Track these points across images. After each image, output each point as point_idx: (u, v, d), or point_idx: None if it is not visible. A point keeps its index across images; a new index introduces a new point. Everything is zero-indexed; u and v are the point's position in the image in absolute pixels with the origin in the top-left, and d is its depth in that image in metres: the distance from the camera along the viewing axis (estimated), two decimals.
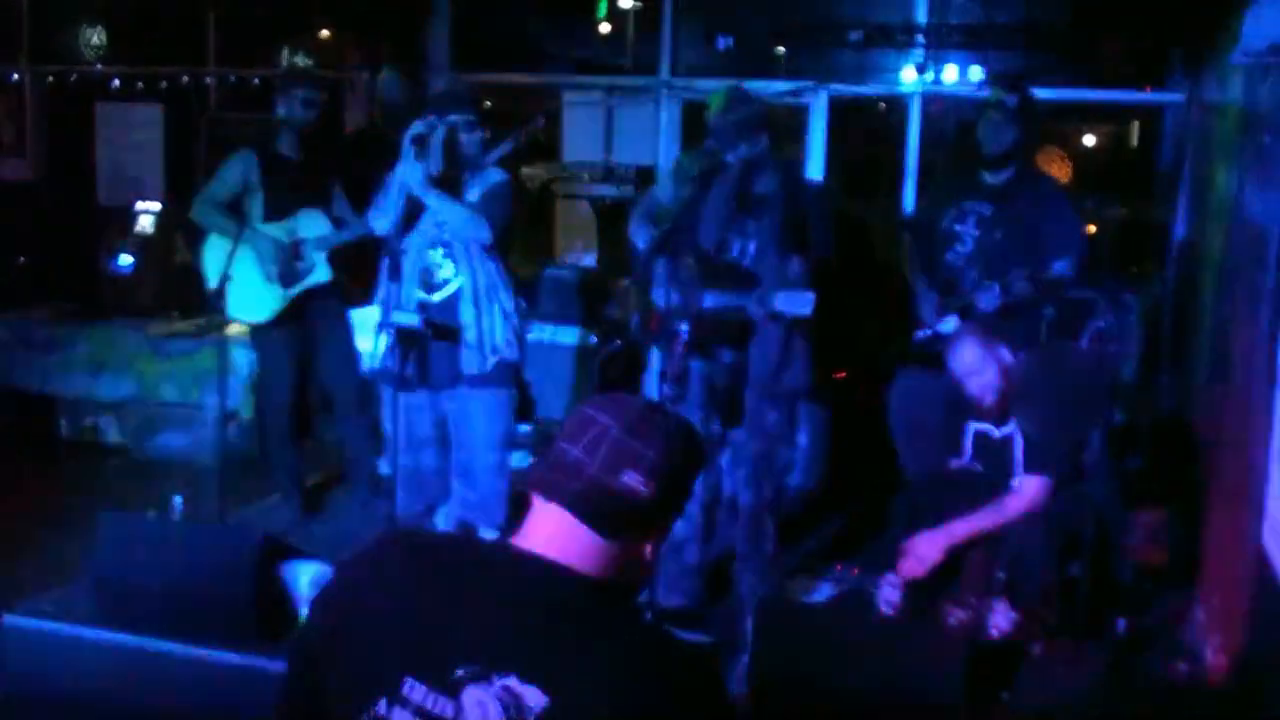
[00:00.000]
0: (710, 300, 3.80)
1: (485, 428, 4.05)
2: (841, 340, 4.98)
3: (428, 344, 3.96)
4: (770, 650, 3.17)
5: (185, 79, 7.26)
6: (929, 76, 5.96)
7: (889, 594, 3.78)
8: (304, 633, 1.56)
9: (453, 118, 3.91)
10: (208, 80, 7.23)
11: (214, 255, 4.62)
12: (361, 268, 4.49)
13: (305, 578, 3.68)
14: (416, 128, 3.81)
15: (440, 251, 3.97)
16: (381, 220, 3.98)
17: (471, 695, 1.38)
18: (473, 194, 3.95)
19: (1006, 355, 3.74)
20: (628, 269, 4.46)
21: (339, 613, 1.52)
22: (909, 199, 5.92)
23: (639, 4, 7.37)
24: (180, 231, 6.32)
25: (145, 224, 6.54)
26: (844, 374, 5.25)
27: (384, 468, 4.68)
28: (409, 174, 3.81)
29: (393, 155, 3.91)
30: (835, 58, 6.19)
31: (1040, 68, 5.90)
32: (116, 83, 7.39)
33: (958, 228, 4.36)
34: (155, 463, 5.63)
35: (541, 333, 5.56)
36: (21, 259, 6.81)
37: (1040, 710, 3.36)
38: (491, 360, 3.98)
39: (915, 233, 4.68)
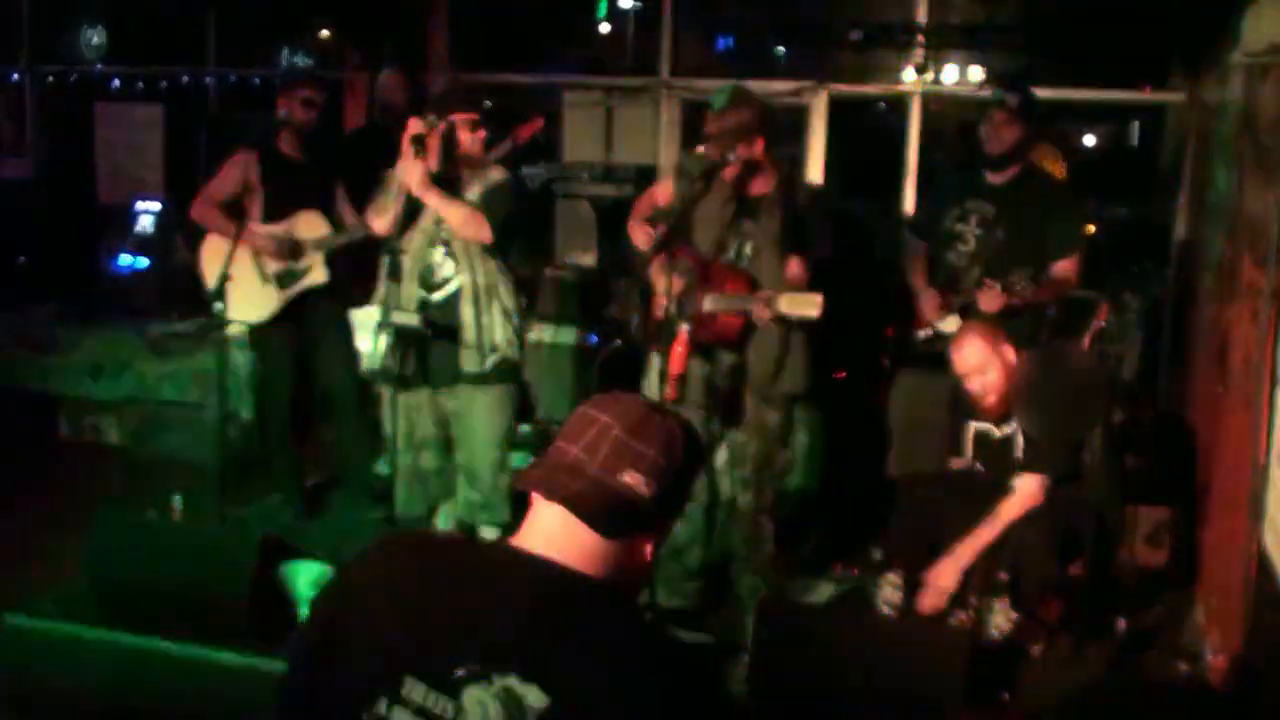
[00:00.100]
0: (710, 302, 3.80)
1: (485, 427, 4.05)
2: (841, 340, 4.98)
3: (428, 343, 3.96)
4: (770, 650, 3.17)
5: (185, 79, 7.26)
6: (929, 76, 5.96)
7: (889, 594, 3.78)
8: (304, 633, 1.56)
9: (453, 117, 3.91)
10: (208, 80, 7.23)
11: (212, 256, 4.63)
12: (361, 268, 4.49)
13: (305, 578, 3.68)
14: (416, 128, 3.81)
15: (440, 251, 3.97)
16: (381, 220, 3.98)
17: (472, 695, 1.38)
18: (473, 193, 3.95)
19: (1010, 354, 3.74)
20: (628, 269, 4.46)
21: (339, 613, 1.52)
22: (909, 199, 5.92)
23: (639, 4, 7.38)
24: (180, 231, 6.32)
25: (145, 224, 6.55)
26: (844, 374, 5.25)
27: (383, 468, 4.68)
28: (409, 173, 3.81)
29: (393, 155, 3.91)
30: (835, 57, 6.19)
31: (1040, 68, 5.90)
32: (116, 83, 7.40)
33: (959, 227, 4.36)
34: (155, 463, 5.62)
35: (541, 333, 5.56)
36: (21, 259, 6.82)
37: (1040, 710, 3.36)
38: (492, 359, 3.98)
39: (917, 232, 4.68)
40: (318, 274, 4.66)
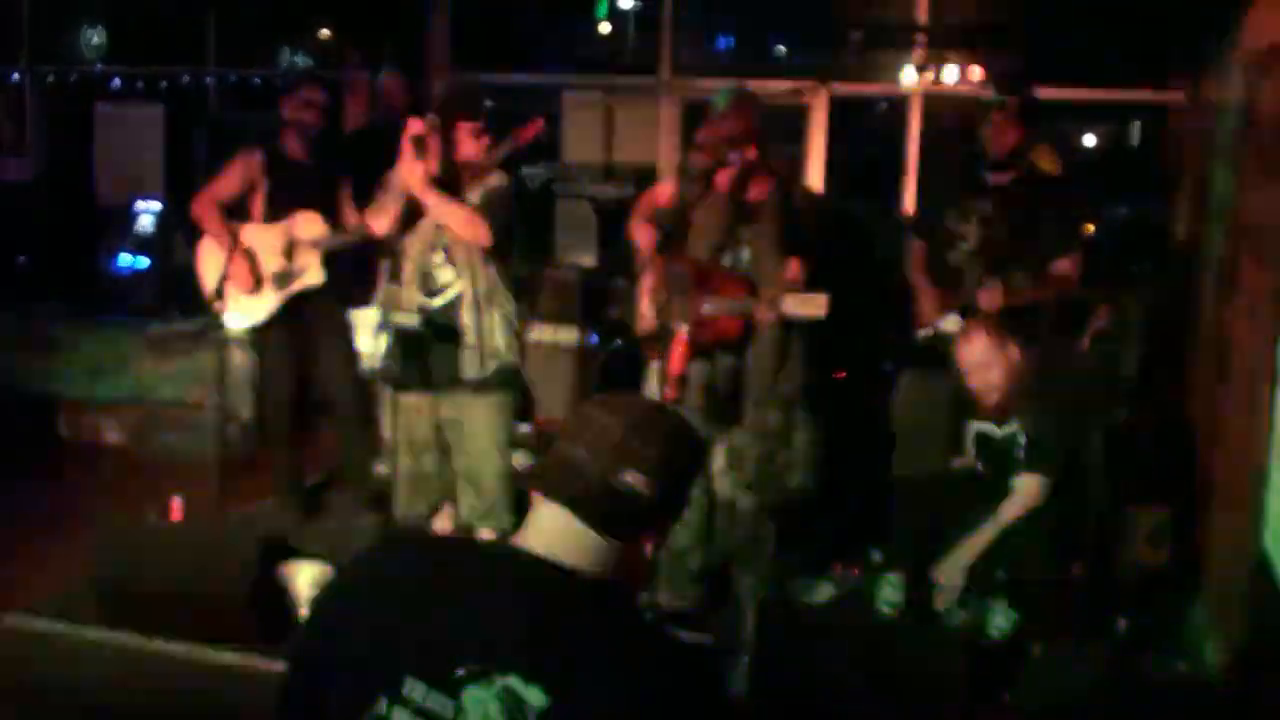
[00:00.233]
0: (710, 304, 3.80)
1: (485, 433, 4.04)
2: (841, 340, 4.98)
3: (428, 346, 3.96)
4: (770, 651, 3.17)
5: (185, 79, 7.26)
6: (929, 76, 5.96)
7: (889, 594, 3.78)
8: (304, 633, 1.57)
9: (455, 122, 3.91)
10: (208, 80, 7.24)
11: (209, 256, 4.63)
12: (362, 269, 4.49)
13: (305, 578, 3.68)
14: (416, 128, 3.81)
15: (440, 255, 3.96)
16: (381, 221, 3.98)
17: (472, 695, 1.38)
18: (473, 196, 3.95)
19: (1015, 353, 3.74)
20: (628, 269, 4.46)
21: (340, 613, 1.53)
22: (909, 199, 5.92)
23: (639, 4, 7.38)
24: (180, 231, 6.32)
25: (145, 224, 6.55)
26: (844, 374, 5.25)
27: (383, 469, 4.68)
28: (409, 174, 3.81)
29: (393, 155, 3.91)
30: (835, 58, 6.19)
31: (1040, 68, 5.90)
32: (116, 83, 7.40)
33: (960, 226, 4.36)
34: (155, 463, 5.63)
35: (541, 333, 5.56)
36: (21, 259, 6.82)
37: (1040, 710, 3.36)
38: (491, 364, 3.97)
39: (917, 232, 4.69)
40: (314, 274, 4.65)
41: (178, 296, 6.16)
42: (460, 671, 1.39)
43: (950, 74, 6.17)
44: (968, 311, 4.19)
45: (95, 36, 7.57)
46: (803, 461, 4.75)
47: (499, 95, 6.74)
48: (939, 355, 4.09)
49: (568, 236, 6.55)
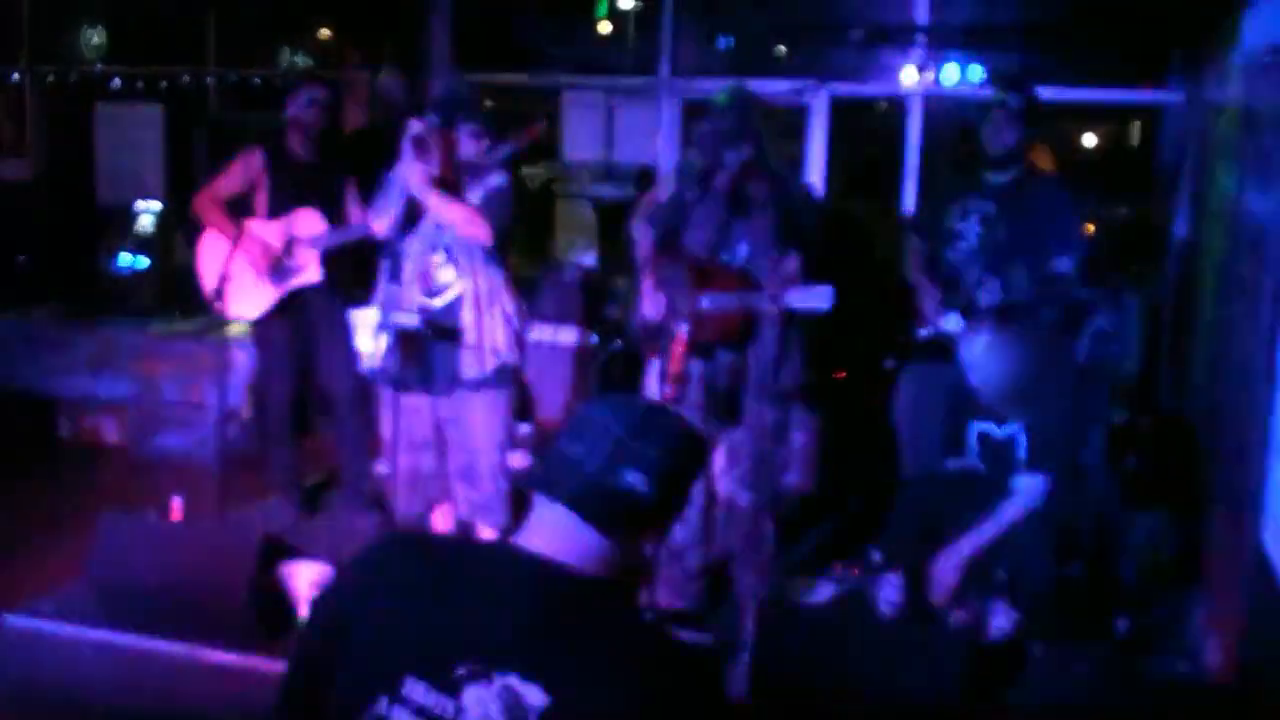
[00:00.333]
0: (708, 301, 3.80)
1: (485, 430, 4.04)
2: (841, 340, 4.98)
3: (427, 346, 3.96)
4: (770, 651, 3.17)
5: (185, 79, 7.26)
6: (929, 76, 5.96)
7: (889, 594, 3.78)
8: (304, 633, 1.56)
9: (456, 123, 3.91)
10: (208, 80, 7.23)
11: (210, 254, 4.64)
12: (362, 268, 4.49)
13: (305, 578, 3.67)
14: (416, 128, 3.81)
15: (441, 255, 3.96)
16: (381, 221, 3.98)
17: (472, 694, 1.38)
18: (473, 196, 3.95)
19: (1016, 353, 3.73)
20: (628, 269, 4.47)
21: (339, 613, 1.53)
22: (909, 199, 5.92)
23: (639, 4, 7.38)
24: (180, 231, 6.33)
25: (145, 224, 6.55)
26: (844, 374, 5.26)
27: (382, 469, 4.68)
28: (409, 174, 3.81)
29: (392, 155, 3.91)
30: (835, 58, 6.19)
31: (1040, 68, 5.90)
32: (116, 83, 7.39)
33: (960, 226, 4.36)
34: (155, 463, 5.63)
35: (541, 333, 5.56)
36: (21, 259, 6.82)
37: (1040, 710, 3.35)
38: (492, 364, 3.98)
39: (917, 232, 4.69)
40: (312, 273, 4.66)
41: (178, 296, 6.17)
42: (460, 671, 1.39)
43: (950, 74, 6.17)
44: (968, 311, 4.19)
45: (95, 36, 7.57)
46: (802, 461, 4.76)
47: (499, 95, 6.75)
48: (939, 355, 4.09)
49: (568, 236, 6.55)
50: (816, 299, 3.59)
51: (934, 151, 6.03)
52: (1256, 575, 3.25)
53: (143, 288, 6.46)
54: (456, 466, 4.09)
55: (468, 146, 3.95)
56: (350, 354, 4.84)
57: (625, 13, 7.56)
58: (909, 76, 6.01)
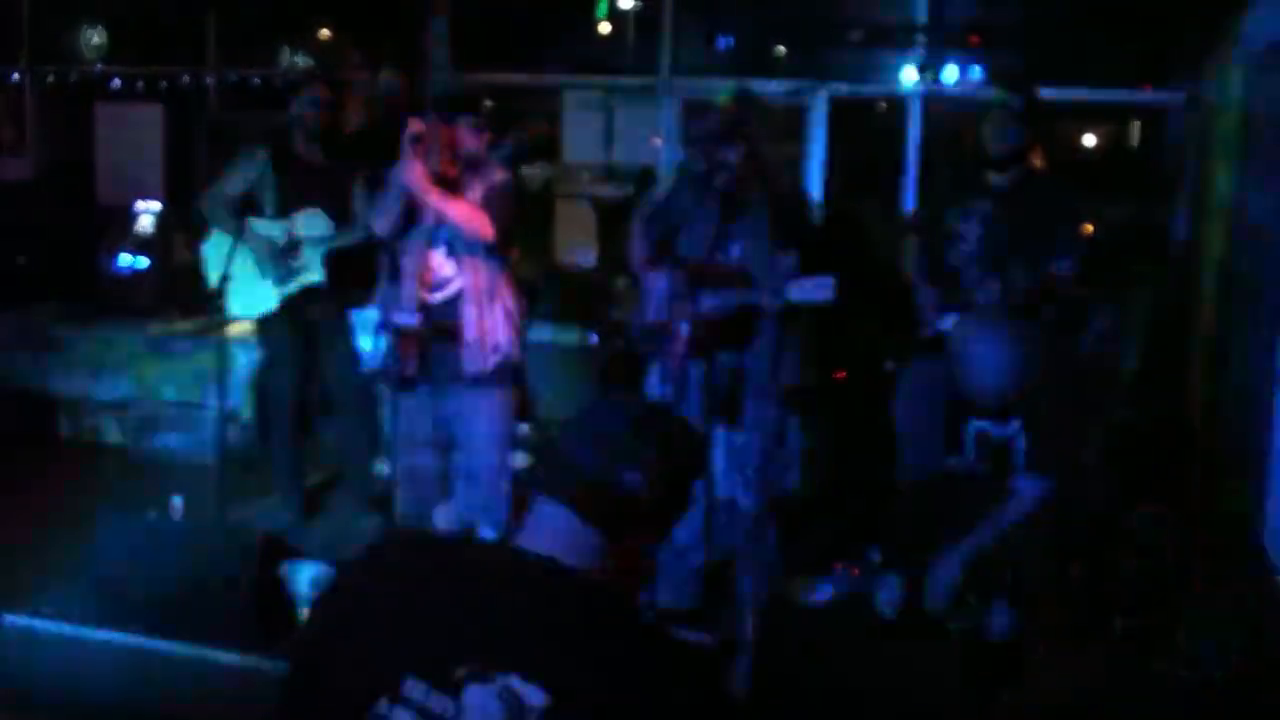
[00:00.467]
0: (707, 301, 3.81)
1: (486, 428, 4.04)
2: (841, 340, 4.98)
3: (428, 344, 3.96)
4: (770, 650, 3.17)
5: (185, 79, 7.26)
6: (929, 76, 5.96)
7: (889, 594, 3.78)
8: (305, 633, 1.57)
9: (455, 118, 3.91)
10: (208, 80, 7.23)
11: (215, 253, 4.64)
12: (364, 268, 4.50)
13: (305, 578, 3.68)
14: (416, 127, 3.81)
15: (442, 251, 3.96)
16: (381, 220, 3.98)
17: (472, 694, 1.38)
18: (475, 193, 3.95)
19: (1018, 352, 3.73)
20: (628, 269, 4.47)
21: (340, 613, 1.53)
22: (909, 199, 5.92)
23: (639, 4, 7.38)
24: (180, 231, 6.33)
25: (145, 224, 6.55)
26: (844, 374, 5.26)
27: (384, 468, 4.68)
28: (409, 173, 3.81)
29: (393, 155, 3.91)
30: (835, 58, 6.19)
31: (1040, 68, 5.90)
32: (116, 83, 7.39)
33: (961, 226, 4.36)
34: (155, 463, 5.63)
35: (541, 333, 5.56)
36: (21, 259, 6.81)
37: (1040, 710, 3.36)
38: (493, 360, 3.98)
39: (917, 231, 4.69)
40: (315, 272, 4.66)
41: (178, 296, 6.17)
42: (460, 671, 1.39)
43: (950, 74, 6.17)
44: (968, 311, 4.19)
45: (95, 36, 7.56)
46: (803, 461, 4.76)
47: (499, 95, 6.75)
48: (939, 355, 4.09)
49: (568, 236, 6.55)
50: (819, 290, 3.59)
51: (934, 151, 6.03)
52: (1256, 575, 3.25)
53: (143, 288, 6.46)
54: (457, 466, 4.10)
55: (468, 142, 3.94)
56: (352, 353, 4.84)
57: (625, 13, 7.56)
58: (909, 76, 6.01)
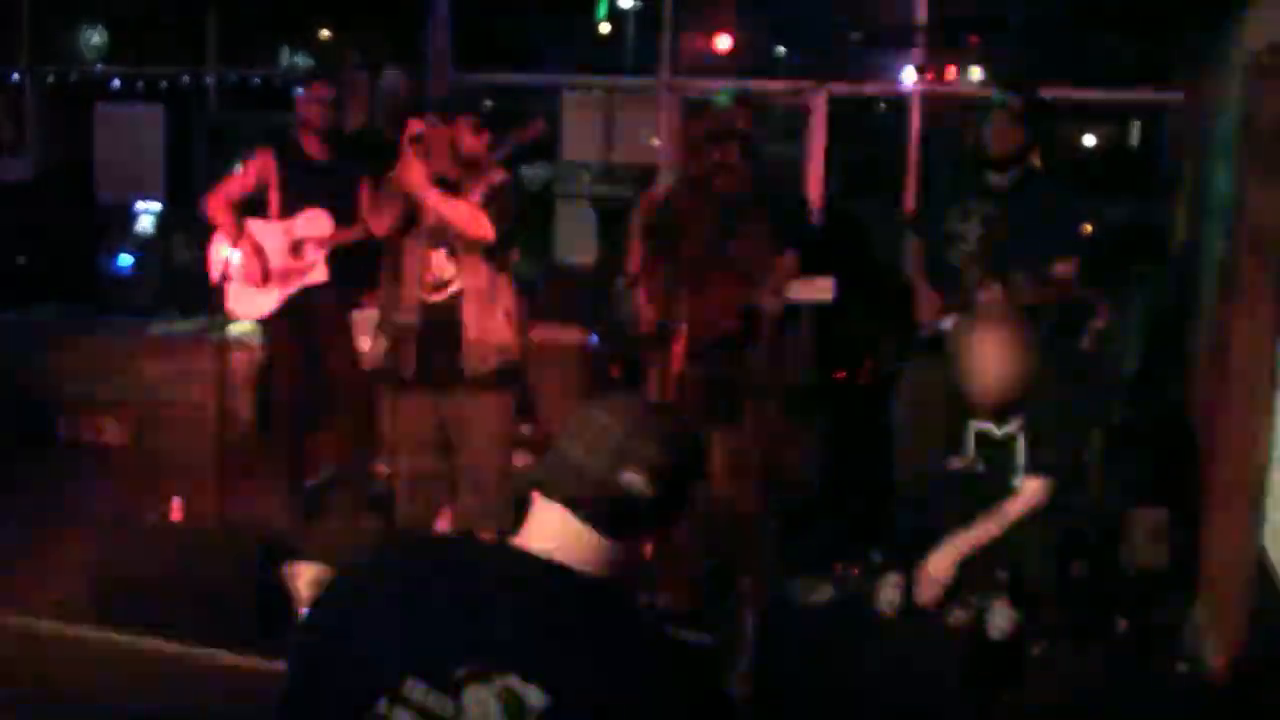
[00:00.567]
0: (710, 300, 3.81)
1: (486, 429, 4.04)
2: (841, 340, 4.98)
3: (428, 344, 3.96)
4: (770, 650, 3.17)
5: (185, 79, 7.26)
6: (929, 76, 5.95)
7: (889, 594, 3.78)
8: (305, 633, 1.56)
9: (455, 118, 3.91)
10: (208, 80, 7.23)
11: (220, 254, 4.64)
12: (365, 268, 4.50)
13: (305, 578, 3.68)
14: (415, 127, 3.81)
15: (443, 252, 3.96)
16: (381, 221, 3.98)
17: (472, 694, 1.38)
18: (475, 194, 3.95)
19: (1020, 351, 3.73)
20: (628, 269, 4.47)
21: (340, 613, 1.53)
22: (909, 199, 5.92)
23: (639, 4, 7.37)
24: (180, 231, 6.32)
25: (145, 224, 6.55)
26: (844, 374, 5.26)
27: (384, 469, 4.68)
28: (409, 174, 3.81)
29: (393, 155, 3.91)
30: (835, 58, 6.19)
31: (1040, 68, 5.90)
32: (116, 83, 7.39)
33: (961, 227, 4.36)
34: (155, 463, 5.62)
35: (541, 333, 5.56)
36: (21, 259, 6.81)
37: (1040, 710, 3.36)
38: (493, 361, 3.97)
39: (917, 232, 4.69)
40: (319, 272, 4.67)
41: (178, 296, 6.16)
42: (460, 671, 1.39)
43: (950, 74, 6.17)
44: (968, 311, 4.19)
45: (95, 36, 7.56)
46: (803, 461, 4.77)
47: (499, 95, 6.74)
48: (939, 355, 4.09)
49: (568, 236, 6.55)
50: (820, 290, 3.60)
51: (934, 151, 6.03)
52: (1256, 575, 3.25)
53: (143, 288, 6.46)
54: (458, 467, 4.09)
55: (469, 142, 3.94)
56: (353, 354, 4.84)
57: (625, 13, 7.56)
58: (909, 76, 6.01)
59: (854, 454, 4.95)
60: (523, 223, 4.09)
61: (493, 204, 3.91)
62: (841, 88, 6.09)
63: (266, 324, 4.76)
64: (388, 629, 1.45)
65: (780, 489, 4.17)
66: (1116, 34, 5.85)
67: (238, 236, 4.55)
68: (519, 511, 1.57)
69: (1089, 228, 4.90)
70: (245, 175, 4.70)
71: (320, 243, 4.65)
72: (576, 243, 6.54)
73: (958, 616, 3.69)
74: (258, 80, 7.35)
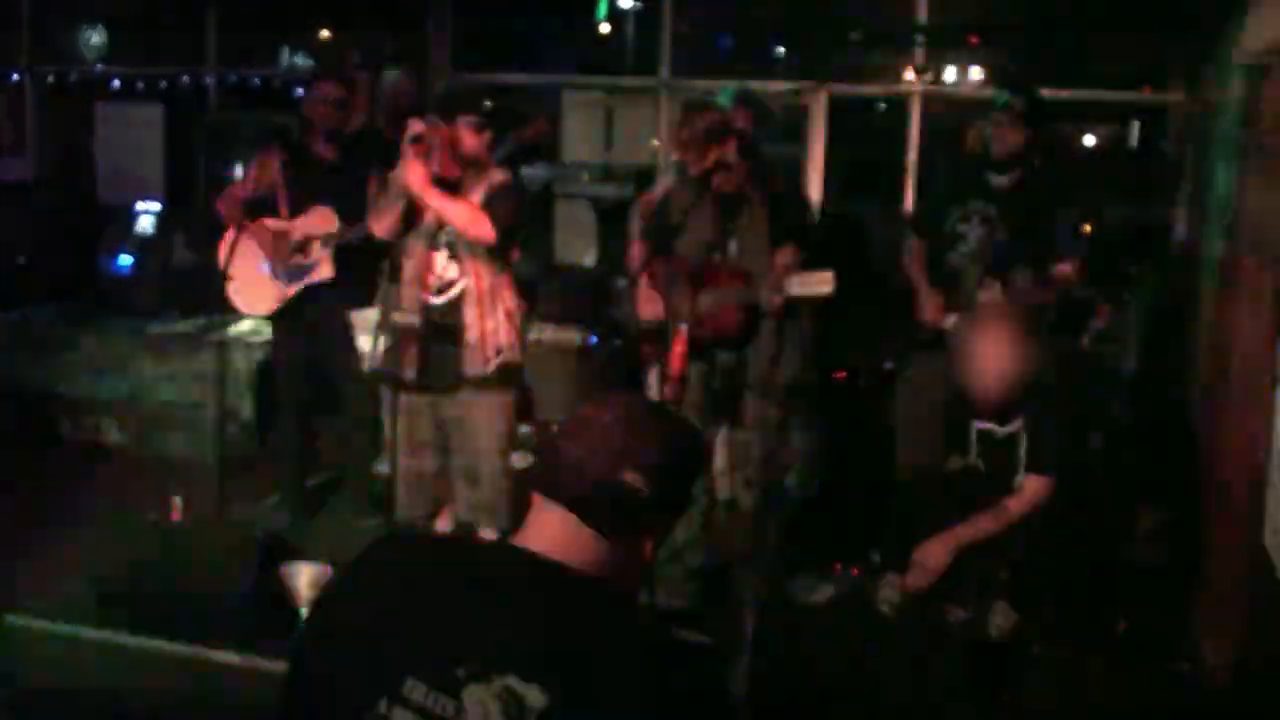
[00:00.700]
0: (709, 299, 3.81)
1: (487, 431, 4.03)
2: (842, 340, 4.98)
3: (428, 345, 3.95)
4: (770, 651, 3.17)
5: (185, 79, 7.26)
6: (929, 76, 5.96)
7: (889, 594, 3.78)
8: (305, 633, 1.56)
9: (456, 119, 3.91)
10: (208, 80, 7.23)
11: (229, 253, 4.65)
12: (367, 268, 4.50)
13: (305, 578, 3.67)
14: (416, 128, 3.81)
15: (444, 253, 3.96)
16: (381, 222, 3.98)
17: (472, 694, 1.38)
18: (476, 194, 3.95)
19: (1022, 350, 3.73)
20: (627, 269, 4.48)
21: (340, 613, 1.53)
22: (909, 199, 5.92)
23: (639, 4, 7.37)
24: (181, 231, 6.33)
25: (145, 224, 6.55)
26: (844, 374, 5.26)
27: (384, 469, 4.68)
28: (410, 174, 3.81)
29: (393, 155, 3.91)
30: (835, 58, 6.19)
31: (1040, 68, 5.90)
32: (116, 83, 7.39)
33: (961, 227, 4.37)
34: (155, 463, 5.63)
35: (541, 333, 5.56)
36: (21, 259, 6.81)
37: (1040, 710, 3.36)
38: (494, 362, 3.97)
39: (917, 232, 4.69)
40: (325, 269, 4.67)
41: (178, 296, 6.17)
42: (460, 671, 1.39)
43: (950, 74, 6.18)
44: (968, 311, 4.20)
45: (95, 36, 7.56)
46: (803, 461, 4.77)
47: (499, 95, 6.74)
48: (939, 355, 4.09)
49: (568, 236, 6.54)
50: (820, 284, 3.60)
51: (934, 151, 6.03)
52: (1256, 575, 3.25)
53: (143, 288, 6.46)
54: (458, 467, 4.09)
55: (469, 142, 3.94)
56: (353, 354, 4.84)
57: (625, 13, 7.56)
58: (909, 76, 6.01)
59: (854, 454, 4.96)
60: (523, 223, 4.09)
61: (493, 204, 3.91)
62: (841, 88, 6.09)
63: (273, 322, 4.76)
64: (388, 629, 1.45)
65: (780, 489, 4.17)
66: (1116, 34, 5.84)
67: (246, 235, 4.55)
68: (519, 511, 1.57)
69: (1089, 228, 4.90)
70: (254, 175, 4.70)
71: (326, 241, 4.66)
72: (576, 243, 6.54)
73: (958, 616, 3.69)
74: (258, 80, 7.35)
